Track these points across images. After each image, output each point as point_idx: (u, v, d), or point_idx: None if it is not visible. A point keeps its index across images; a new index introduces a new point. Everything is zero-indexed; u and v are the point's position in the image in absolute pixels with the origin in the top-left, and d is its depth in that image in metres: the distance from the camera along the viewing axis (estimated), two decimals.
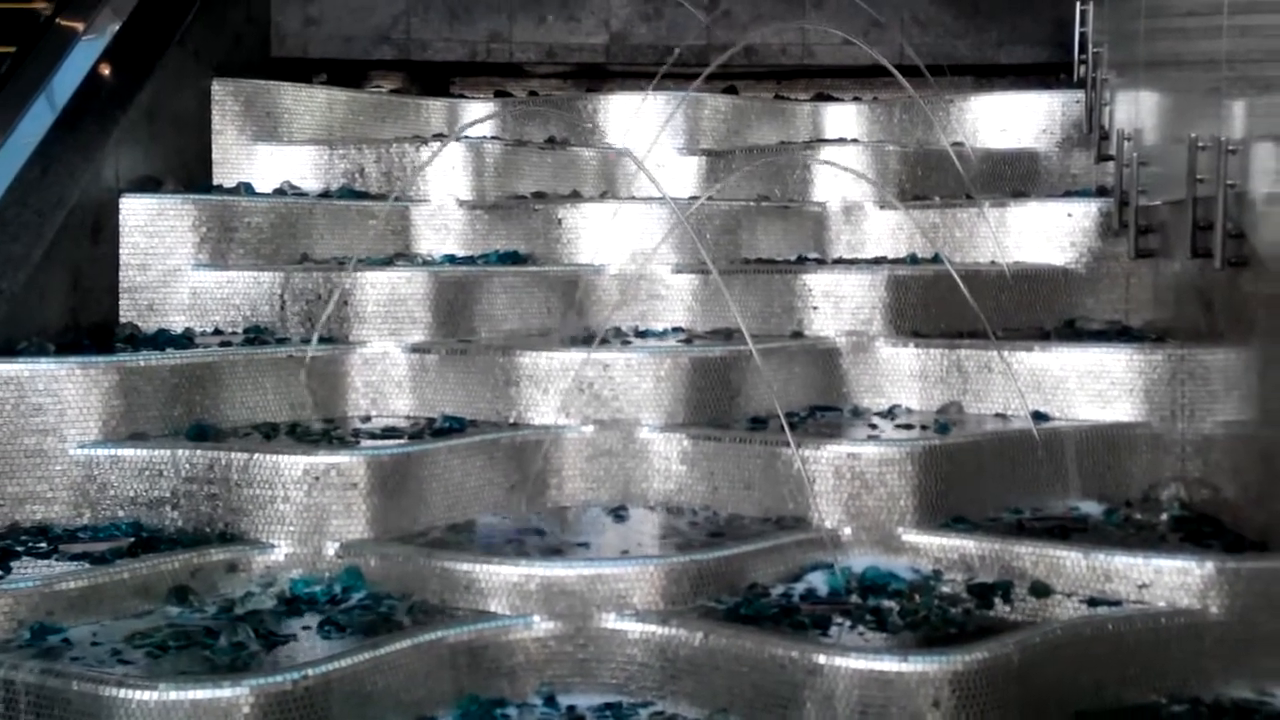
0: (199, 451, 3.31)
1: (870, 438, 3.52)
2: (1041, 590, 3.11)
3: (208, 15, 4.77)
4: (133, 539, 3.17)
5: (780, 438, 3.47)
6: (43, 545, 3.15)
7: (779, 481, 3.44)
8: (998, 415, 3.86)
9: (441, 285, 4.02)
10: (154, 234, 4.06)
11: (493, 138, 4.93)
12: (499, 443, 3.53)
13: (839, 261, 4.51)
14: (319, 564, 3.17)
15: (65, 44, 4.30)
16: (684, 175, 5.00)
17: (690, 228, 4.10)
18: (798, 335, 4.12)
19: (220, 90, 4.71)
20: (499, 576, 2.98)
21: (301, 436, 3.53)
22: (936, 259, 4.53)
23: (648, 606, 2.96)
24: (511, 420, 3.70)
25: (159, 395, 3.51)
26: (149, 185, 4.18)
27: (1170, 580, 3.02)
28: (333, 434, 3.57)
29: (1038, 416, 3.78)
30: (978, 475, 3.49)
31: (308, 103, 4.94)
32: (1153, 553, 3.08)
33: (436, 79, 5.87)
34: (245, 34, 5.03)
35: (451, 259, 4.46)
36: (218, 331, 4.03)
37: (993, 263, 4.49)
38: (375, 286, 3.96)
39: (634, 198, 4.62)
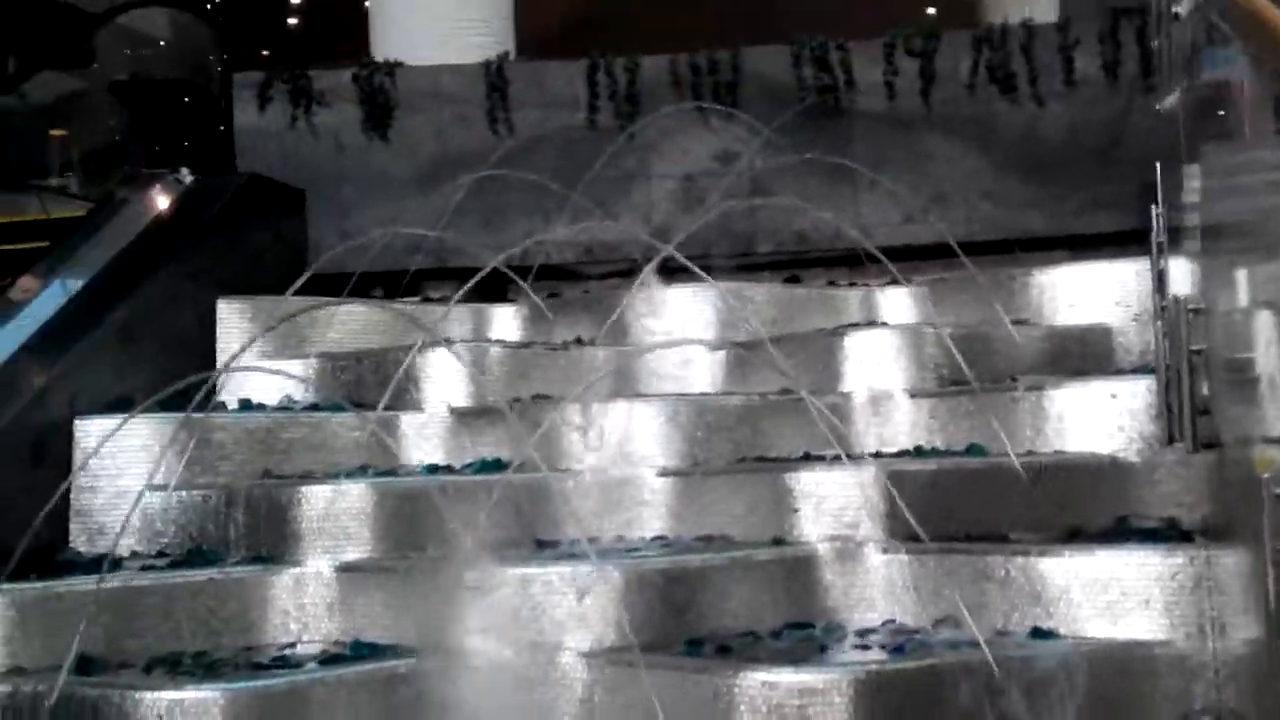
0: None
1: (805, 662, 2.99)
2: None
3: (222, 235, 4.78)
4: None
5: (700, 663, 3.00)
6: None
7: (709, 714, 2.94)
8: (998, 633, 3.26)
9: (384, 498, 3.74)
10: (105, 455, 3.95)
11: (496, 340, 4.71)
12: (397, 674, 3.17)
13: (836, 459, 4.01)
14: None
15: (62, 265, 4.34)
16: (711, 369, 4.64)
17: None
18: (779, 542, 3.64)
19: (226, 309, 4.66)
20: None
21: (188, 668, 3.25)
22: (964, 452, 4.01)
23: None
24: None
25: (49, 625, 3.31)
26: (120, 405, 4.10)
27: None
28: (224, 662, 3.28)
29: (1039, 634, 3.18)
30: (932, 712, 2.91)
31: (323, 317, 4.84)
32: None
33: (492, 284, 5.73)
34: (270, 252, 5.01)
35: (433, 469, 4.20)
36: (161, 554, 3.85)
37: (1029, 453, 3.93)
38: (311, 501, 3.71)
39: (639, 395, 4.29)
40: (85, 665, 3.26)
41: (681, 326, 4.85)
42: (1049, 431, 3.96)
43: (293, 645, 3.52)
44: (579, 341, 4.87)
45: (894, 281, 5.30)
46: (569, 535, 3.89)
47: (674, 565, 3.37)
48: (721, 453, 4.09)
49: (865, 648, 3.16)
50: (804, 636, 3.36)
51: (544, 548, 3.81)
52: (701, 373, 4.63)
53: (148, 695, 2.93)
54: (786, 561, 3.52)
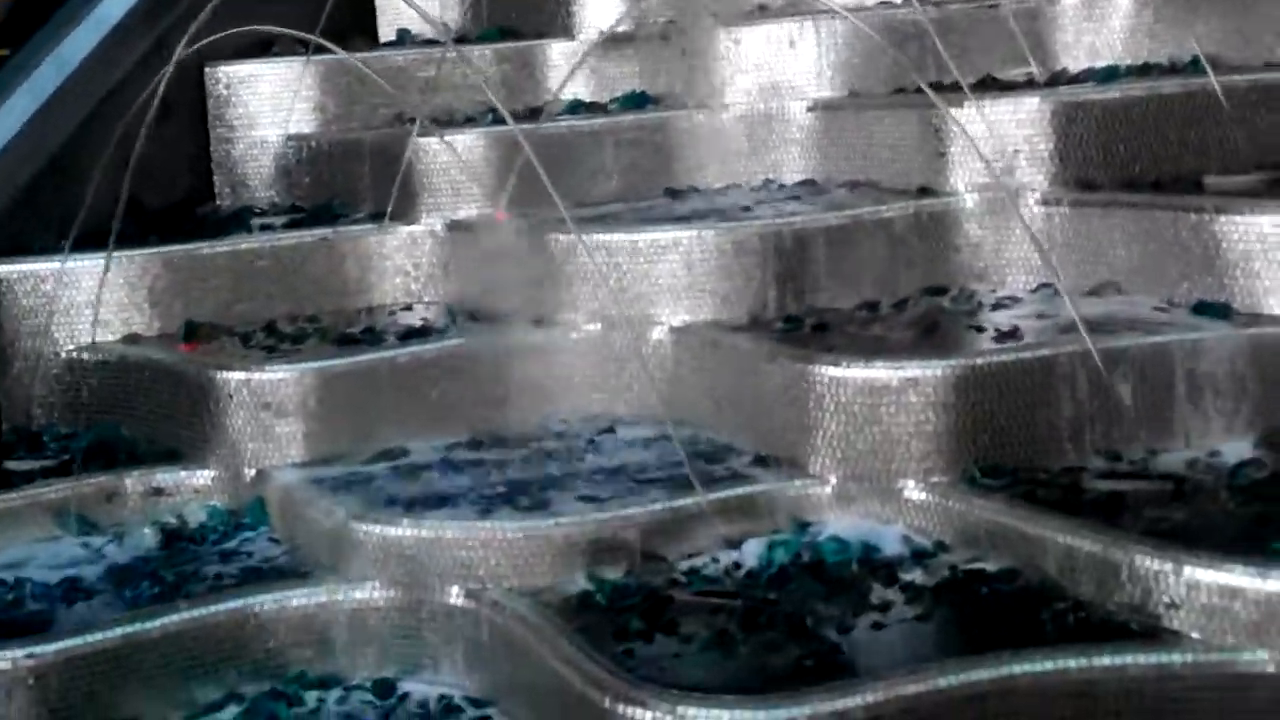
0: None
1: (898, 351, 2.60)
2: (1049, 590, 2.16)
3: None
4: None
5: (774, 349, 2.68)
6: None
7: (780, 407, 2.65)
8: (1157, 308, 2.74)
9: (497, 145, 3.46)
10: (238, 104, 3.84)
11: None
12: (475, 351, 3.00)
13: (1010, 86, 3.40)
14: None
15: None
16: None
17: None
18: (924, 191, 3.16)
19: None
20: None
21: (285, 336, 3.20)
22: (1189, 64, 3.31)
23: (499, 578, 2.39)
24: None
25: (163, 290, 3.32)
26: (250, 51, 3.93)
27: (1208, 601, 1.97)
28: (324, 331, 3.22)
29: (1205, 309, 2.65)
30: (1040, 406, 2.48)
31: None
32: (1185, 554, 2.02)
33: None
34: None
35: (580, 105, 3.88)
36: (295, 208, 3.78)
37: (1266, 65, 3.22)
38: (422, 156, 3.48)
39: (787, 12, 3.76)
40: (192, 331, 3.28)
41: None
42: None
43: (409, 307, 3.42)
44: None
45: None
46: (705, 182, 3.55)
47: (776, 228, 2.98)
48: (886, 80, 3.55)
49: (982, 329, 2.72)
50: (928, 308, 2.93)
51: (674, 197, 3.49)
52: None
53: (219, 375, 2.91)
54: (922, 217, 3.05)
